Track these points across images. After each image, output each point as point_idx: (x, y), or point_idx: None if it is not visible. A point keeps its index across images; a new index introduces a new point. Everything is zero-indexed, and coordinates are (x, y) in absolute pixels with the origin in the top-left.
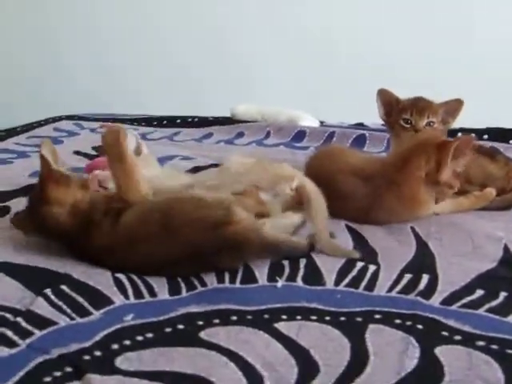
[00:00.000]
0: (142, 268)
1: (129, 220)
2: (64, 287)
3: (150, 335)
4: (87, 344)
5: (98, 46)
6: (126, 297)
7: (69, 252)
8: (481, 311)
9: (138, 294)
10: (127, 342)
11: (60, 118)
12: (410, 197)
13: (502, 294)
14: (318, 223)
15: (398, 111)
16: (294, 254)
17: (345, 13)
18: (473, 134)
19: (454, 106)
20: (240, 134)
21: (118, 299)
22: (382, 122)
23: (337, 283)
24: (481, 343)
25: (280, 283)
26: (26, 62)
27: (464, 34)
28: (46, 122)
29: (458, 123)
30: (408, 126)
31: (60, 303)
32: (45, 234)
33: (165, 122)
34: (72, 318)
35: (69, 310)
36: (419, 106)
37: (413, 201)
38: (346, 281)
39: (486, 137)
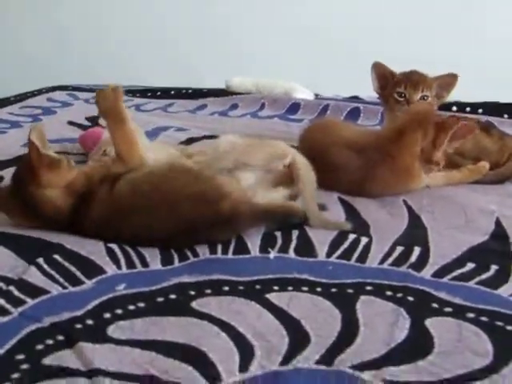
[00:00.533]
0: (134, 239)
1: (123, 190)
2: (56, 256)
3: (141, 305)
4: (79, 313)
5: (93, 17)
6: (119, 267)
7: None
8: (471, 284)
9: (131, 264)
10: (119, 311)
11: (53, 89)
12: (404, 170)
13: (493, 267)
14: (307, 198)
15: (392, 85)
16: (291, 220)
17: None
18: (475, 124)
19: (448, 81)
20: (234, 106)
21: (111, 269)
22: (377, 96)
23: (329, 255)
24: (471, 315)
25: (272, 254)
26: (21, 34)
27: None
28: (40, 92)
29: (453, 97)
30: (402, 99)
31: (52, 272)
32: (35, 220)
33: (159, 93)
34: (64, 287)
35: (61, 279)
36: (413, 79)
37: (406, 174)
38: (338, 253)
39: (480, 111)
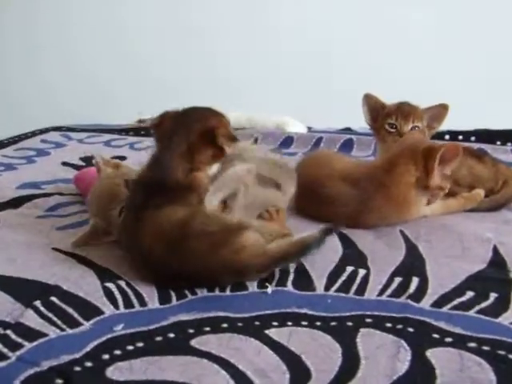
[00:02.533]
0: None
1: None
2: (53, 298)
3: (140, 344)
4: (78, 355)
5: (79, 60)
6: (116, 307)
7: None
8: (471, 313)
9: (128, 304)
10: (118, 352)
11: (47, 130)
12: (399, 199)
13: (492, 295)
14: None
15: (383, 116)
16: (311, 249)
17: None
18: (458, 143)
19: (439, 111)
20: None
21: (108, 309)
22: (369, 127)
23: (327, 288)
24: (472, 345)
25: (270, 289)
26: (8, 75)
27: (454, 35)
28: (33, 133)
29: (445, 125)
30: (393, 130)
31: (50, 315)
32: None
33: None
34: (62, 330)
35: (59, 322)
36: (404, 110)
37: (402, 203)
38: (337, 285)
39: (473, 138)
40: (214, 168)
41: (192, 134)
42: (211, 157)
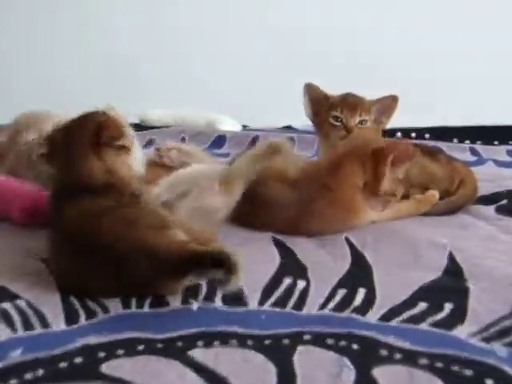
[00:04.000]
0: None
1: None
2: None
3: (41, 372)
4: None
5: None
6: (13, 329)
7: None
8: (423, 326)
9: (28, 326)
10: (13, 382)
11: None
12: (344, 203)
13: (447, 306)
14: None
15: (326, 109)
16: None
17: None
18: (409, 141)
19: (388, 104)
20: (151, 142)
21: (4, 333)
22: (311, 122)
23: (261, 303)
24: (423, 361)
25: (195, 305)
26: None
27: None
28: None
29: (397, 122)
30: (338, 124)
31: None
32: None
33: None
34: None
35: None
36: (350, 102)
37: (347, 208)
38: (272, 300)
39: (427, 136)
40: (130, 157)
41: (84, 140)
42: (116, 154)
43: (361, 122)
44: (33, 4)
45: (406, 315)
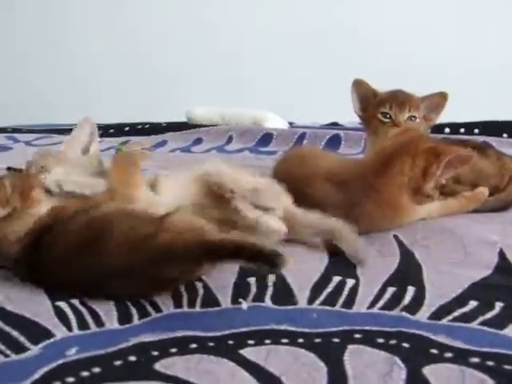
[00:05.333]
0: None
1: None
2: None
3: (96, 370)
4: None
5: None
6: (69, 328)
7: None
8: (474, 324)
9: (83, 325)
10: (71, 380)
11: None
12: (391, 204)
13: (498, 305)
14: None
15: (375, 105)
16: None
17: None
18: (473, 152)
19: (437, 101)
20: (198, 141)
21: (60, 331)
22: (359, 121)
23: (310, 301)
24: (475, 360)
25: (245, 305)
26: None
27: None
28: None
29: (446, 117)
30: (387, 120)
31: None
32: None
33: (111, 130)
34: (6, 355)
35: (2, 347)
36: (399, 98)
37: (395, 208)
38: (321, 298)
39: (476, 131)
40: None
41: None
42: None
43: (410, 118)
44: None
45: (456, 313)
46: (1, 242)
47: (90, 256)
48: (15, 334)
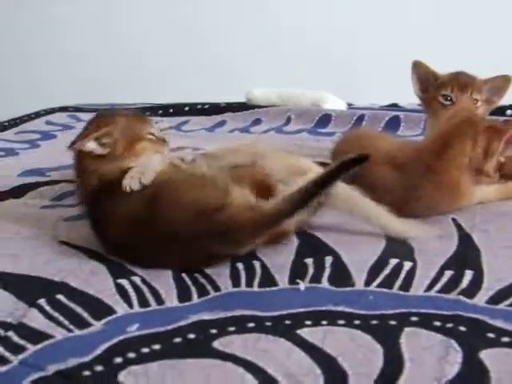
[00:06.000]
0: (129, 257)
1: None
2: (60, 297)
3: (157, 346)
4: (87, 358)
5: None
6: (130, 305)
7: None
8: None
9: (144, 302)
10: (132, 355)
11: (53, 110)
12: (451, 187)
13: None
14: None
15: (435, 87)
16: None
17: None
18: None
19: (501, 83)
20: (257, 121)
21: (121, 308)
22: (419, 102)
23: (367, 283)
24: None
25: (302, 285)
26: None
27: None
28: (37, 115)
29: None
30: (448, 103)
31: (56, 314)
32: None
33: (171, 110)
34: (70, 330)
35: (66, 322)
36: (461, 81)
37: (454, 191)
38: (378, 280)
39: None
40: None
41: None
42: None
43: (472, 101)
44: None
45: None
46: (88, 177)
47: (154, 219)
48: (79, 309)
